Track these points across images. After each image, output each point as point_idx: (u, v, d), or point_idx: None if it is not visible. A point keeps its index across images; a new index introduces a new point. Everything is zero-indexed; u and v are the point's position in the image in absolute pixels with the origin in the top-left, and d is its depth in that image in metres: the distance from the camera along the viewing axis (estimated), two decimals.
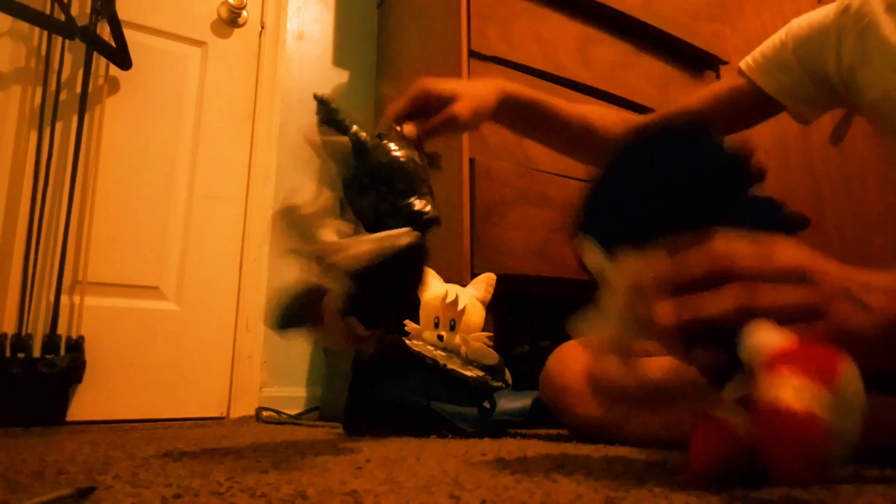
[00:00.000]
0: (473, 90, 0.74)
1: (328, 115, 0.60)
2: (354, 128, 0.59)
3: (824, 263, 0.40)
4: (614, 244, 0.44)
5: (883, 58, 0.70)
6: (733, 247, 0.40)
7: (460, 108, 0.71)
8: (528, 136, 0.89)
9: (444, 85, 0.72)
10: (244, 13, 1.70)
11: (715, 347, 0.39)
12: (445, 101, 0.71)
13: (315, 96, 0.62)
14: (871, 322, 0.38)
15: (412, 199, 0.57)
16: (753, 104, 0.84)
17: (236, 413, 1.50)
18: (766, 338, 0.36)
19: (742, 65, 0.86)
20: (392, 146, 0.60)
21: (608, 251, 0.44)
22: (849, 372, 0.34)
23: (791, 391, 0.32)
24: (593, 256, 0.45)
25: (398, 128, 0.66)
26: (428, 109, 0.71)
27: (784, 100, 0.82)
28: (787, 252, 0.40)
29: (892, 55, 0.69)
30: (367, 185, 0.57)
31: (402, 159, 0.59)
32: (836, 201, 1.75)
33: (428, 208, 0.57)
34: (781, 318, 0.37)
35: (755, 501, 0.37)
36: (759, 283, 0.38)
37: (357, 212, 0.57)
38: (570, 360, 0.81)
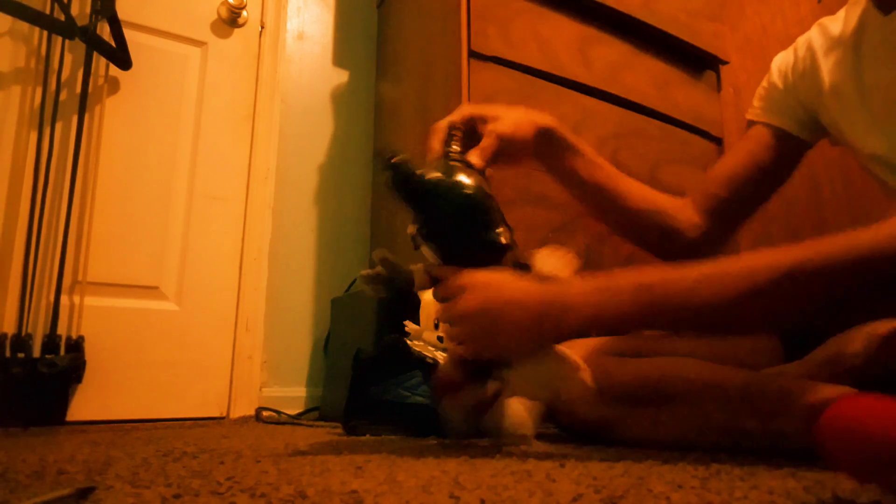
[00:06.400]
0: (513, 115, 0.75)
1: (399, 176, 0.62)
2: (429, 174, 0.62)
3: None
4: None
5: (825, 94, 0.76)
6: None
7: (502, 127, 0.71)
8: (561, 181, 0.87)
9: (485, 108, 0.73)
10: (244, 13, 1.70)
11: None
12: (487, 122, 0.72)
13: (388, 163, 0.62)
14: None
15: (495, 232, 0.63)
16: (778, 149, 0.85)
17: (236, 413, 1.50)
18: None
19: (750, 115, 0.88)
20: (464, 180, 0.63)
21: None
22: None
23: None
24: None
25: (458, 157, 0.67)
26: (472, 135, 0.71)
27: (799, 133, 0.84)
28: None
29: (830, 90, 0.75)
30: (450, 224, 0.62)
31: (476, 194, 0.62)
32: (836, 201, 1.75)
33: (506, 238, 0.63)
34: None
35: (755, 502, 0.37)
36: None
37: (441, 246, 0.63)
38: None
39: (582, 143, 0.83)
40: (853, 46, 0.74)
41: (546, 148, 0.80)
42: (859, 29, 0.73)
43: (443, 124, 0.71)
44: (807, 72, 0.80)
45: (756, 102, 0.87)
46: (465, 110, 0.73)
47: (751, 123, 0.87)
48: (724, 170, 0.88)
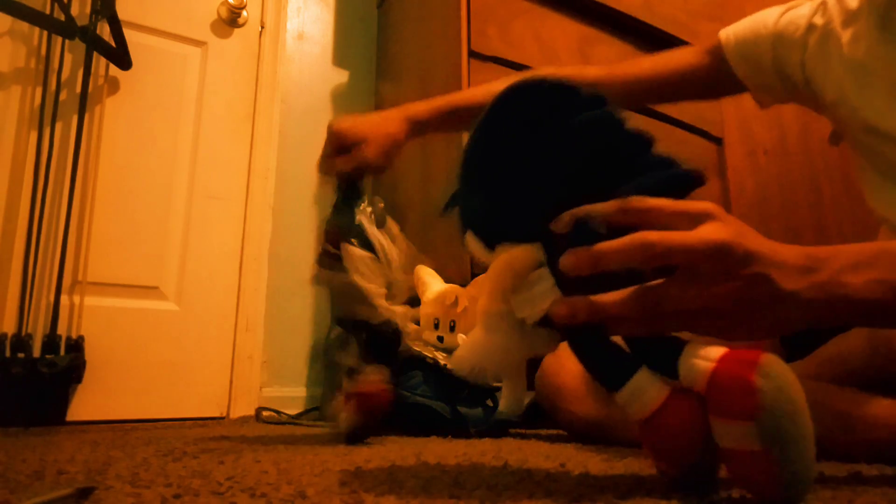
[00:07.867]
0: (382, 130, 0.81)
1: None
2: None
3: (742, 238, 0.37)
4: (492, 238, 0.42)
5: (839, 66, 0.74)
6: (648, 202, 0.37)
7: (370, 152, 0.78)
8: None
9: (353, 129, 0.79)
10: (244, 13, 1.70)
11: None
12: (357, 144, 0.79)
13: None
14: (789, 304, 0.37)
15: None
16: (716, 79, 0.84)
17: (236, 413, 1.50)
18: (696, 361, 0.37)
19: (722, 36, 0.84)
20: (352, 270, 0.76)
21: (488, 245, 0.42)
22: (766, 385, 0.34)
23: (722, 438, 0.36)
24: (476, 248, 0.43)
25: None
26: (348, 149, 0.79)
27: (749, 84, 0.82)
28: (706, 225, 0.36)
29: (846, 64, 0.73)
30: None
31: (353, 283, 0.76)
32: (836, 201, 1.75)
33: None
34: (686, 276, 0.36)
35: (755, 502, 0.37)
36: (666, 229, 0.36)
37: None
38: (567, 360, 0.81)
39: (444, 98, 0.88)
40: (881, 20, 0.73)
41: (421, 133, 0.86)
42: (889, 4, 0.72)
43: (324, 151, 0.80)
44: (808, 44, 0.77)
45: (737, 34, 0.82)
46: (333, 128, 0.79)
47: (715, 49, 0.83)
48: (636, 74, 0.90)
